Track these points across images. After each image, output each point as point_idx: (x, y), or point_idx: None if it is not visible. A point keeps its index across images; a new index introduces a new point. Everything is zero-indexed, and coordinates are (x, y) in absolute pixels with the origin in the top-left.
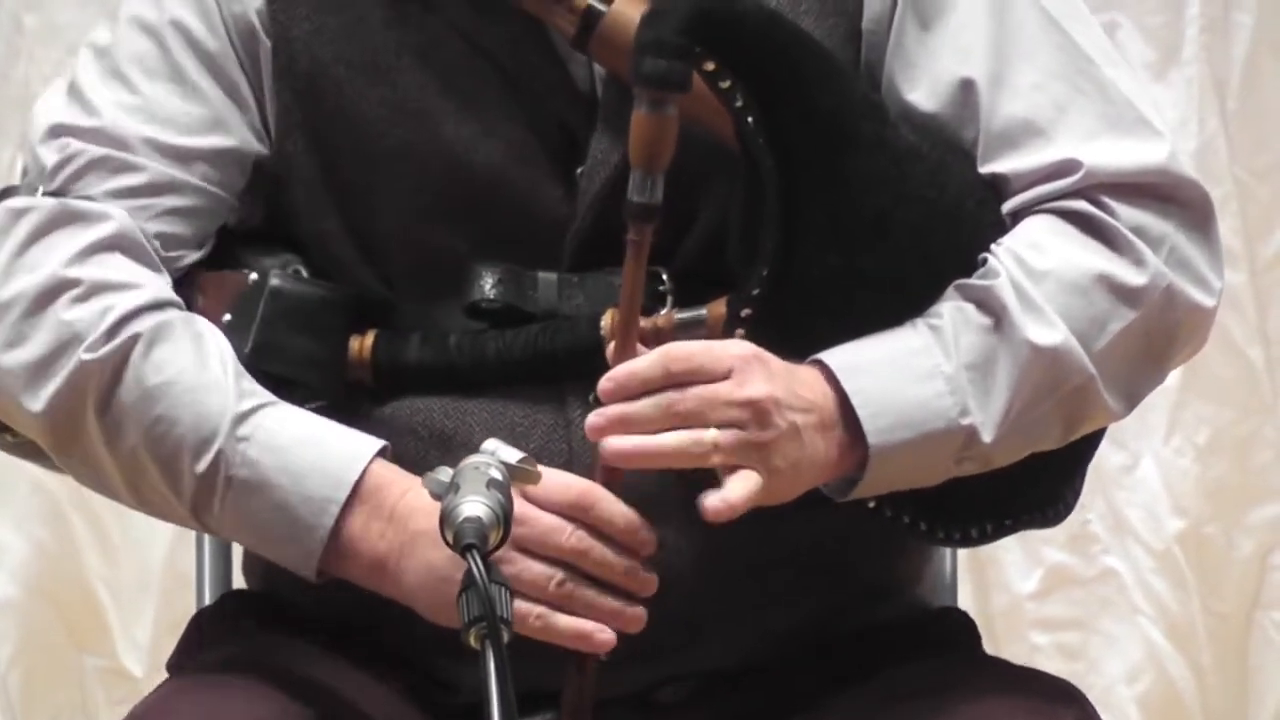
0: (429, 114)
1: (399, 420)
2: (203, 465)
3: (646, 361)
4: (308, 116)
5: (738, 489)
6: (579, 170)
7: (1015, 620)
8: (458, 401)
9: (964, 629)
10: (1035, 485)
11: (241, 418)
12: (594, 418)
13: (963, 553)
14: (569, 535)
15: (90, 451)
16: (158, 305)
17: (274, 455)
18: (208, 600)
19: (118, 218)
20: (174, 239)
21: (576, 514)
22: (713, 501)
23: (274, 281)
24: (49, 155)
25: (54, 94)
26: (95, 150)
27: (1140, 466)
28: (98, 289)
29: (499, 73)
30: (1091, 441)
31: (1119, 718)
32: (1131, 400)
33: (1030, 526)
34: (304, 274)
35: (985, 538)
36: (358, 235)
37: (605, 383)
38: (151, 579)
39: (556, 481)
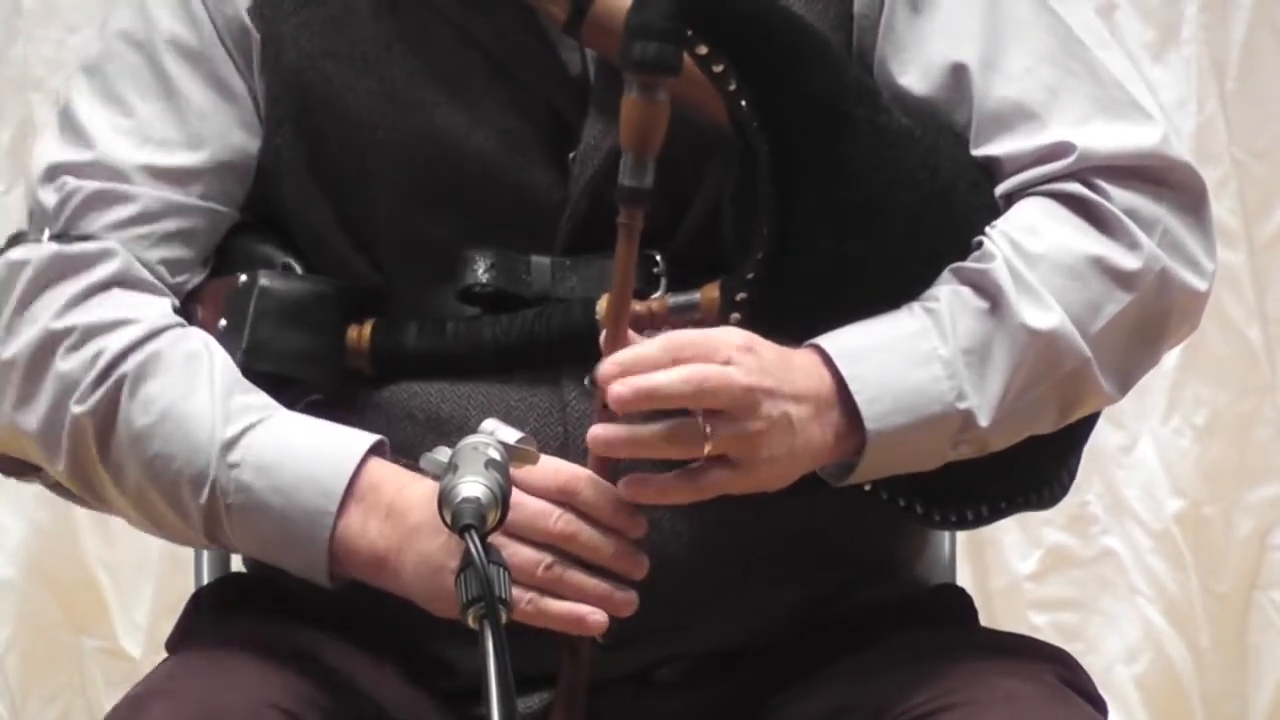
0: (419, 104)
1: (395, 405)
2: (203, 497)
3: (653, 348)
4: (296, 109)
5: (683, 486)
6: (571, 155)
7: (1014, 600)
8: (454, 386)
9: (961, 604)
10: (1030, 467)
11: (229, 444)
12: (618, 386)
13: (962, 533)
14: (556, 519)
15: (107, 495)
16: (151, 335)
17: (265, 476)
18: (205, 581)
19: (116, 253)
20: (177, 263)
21: (564, 499)
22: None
23: (262, 281)
24: (49, 197)
25: (50, 133)
26: (91, 185)
27: (1139, 447)
28: (90, 334)
29: (488, 60)
30: (1087, 423)
31: (1118, 698)
32: (1125, 384)
33: (1026, 509)
34: (297, 269)
35: (981, 520)
36: (349, 225)
37: (609, 366)
38: (149, 560)
39: (543, 467)
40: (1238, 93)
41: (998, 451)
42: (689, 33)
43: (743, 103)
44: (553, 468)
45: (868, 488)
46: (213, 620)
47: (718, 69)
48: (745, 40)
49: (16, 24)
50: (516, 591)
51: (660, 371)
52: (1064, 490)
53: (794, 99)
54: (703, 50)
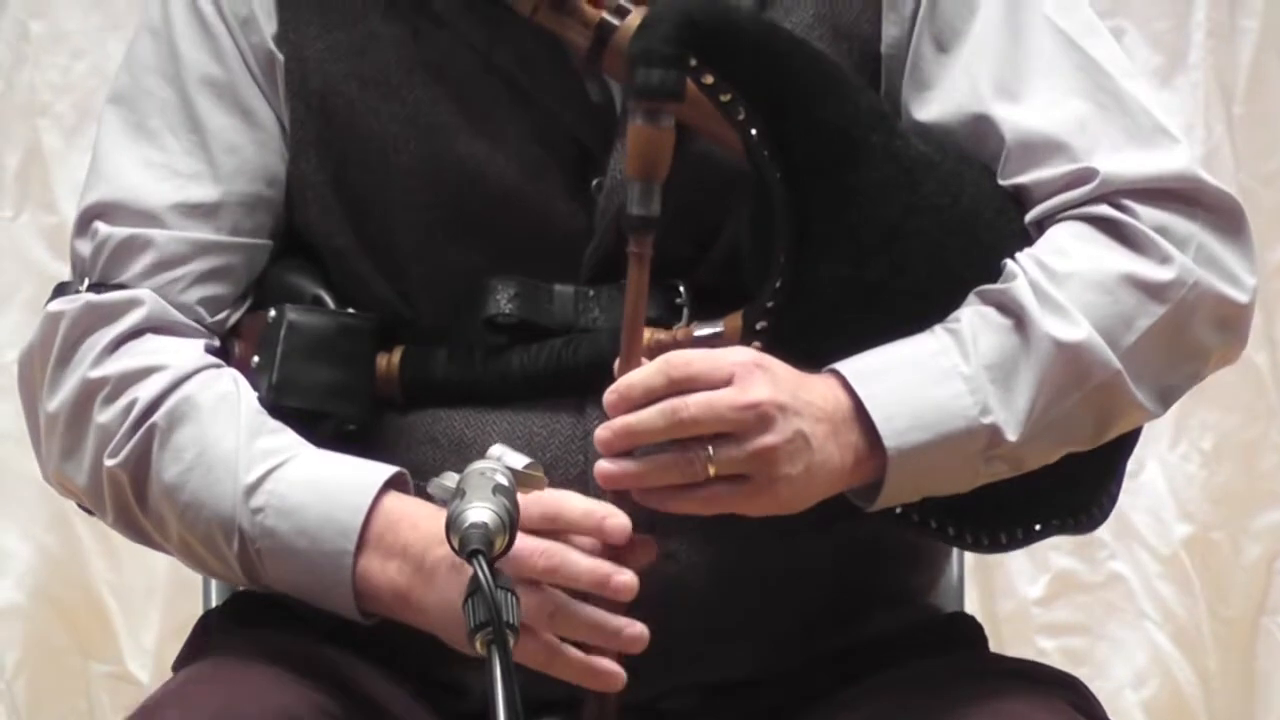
0: (441, 130)
1: (419, 429)
2: (234, 544)
3: (647, 371)
4: (321, 133)
5: (688, 496)
6: (595, 182)
7: (1021, 625)
8: (479, 412)
9: (972, 632)
10: (1068, 490)
11: (251, 489)
12: (601, 431)
13: (970, 558)
14: (538, 556)
15: (156, 543)
16: (181, 380)
17: (288, 519)
18: (214, 605)
19: (146, 300)
20: (215, 301)
21: (549, 527)
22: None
23: (290, 316)
24: (84, 246)
25: (89, 174)
26: (123, 231)
27: (1146, 472)
28: (123, 383)
29: (511, 87)
30: (1125, 448)
31: None
32: (1166, 399)
33: (1062, 532)
34: (328, 302)
35: (1015, 543)
36: (374, 251)
37: (609, 395)
38: (157, 584)
39: (524, 503)
40: (1245, 118)
41: (1033, 474)
42: (694, 62)
43: (753, 131)
44: (533, 498)
45: (898, 510)
46: (222, 636)
47: (725, 98)
48: (750, 66)
49: (24, 49)
50: (531, 645)
51: (638, 411)
52: (1103, 516)
53: (805, 125)
54: (709, 79)
